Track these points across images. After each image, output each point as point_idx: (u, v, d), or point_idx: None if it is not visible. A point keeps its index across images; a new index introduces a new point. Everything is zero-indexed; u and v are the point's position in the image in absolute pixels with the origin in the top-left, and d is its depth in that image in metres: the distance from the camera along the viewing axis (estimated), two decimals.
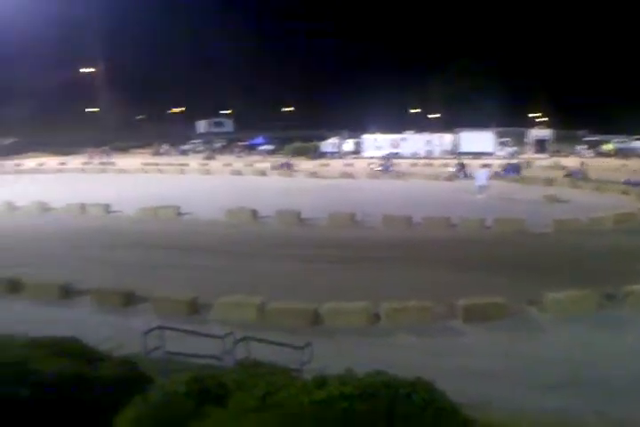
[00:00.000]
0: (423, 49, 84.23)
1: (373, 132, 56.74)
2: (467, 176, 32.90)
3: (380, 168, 38.79)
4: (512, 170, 34.94)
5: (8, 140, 61.02)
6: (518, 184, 31.21)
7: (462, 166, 35.24)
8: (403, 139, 53.67)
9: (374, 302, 10.36)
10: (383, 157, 43.38)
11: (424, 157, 49.44)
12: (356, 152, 54.07)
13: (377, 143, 53.42)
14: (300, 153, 53.90)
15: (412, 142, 52.88)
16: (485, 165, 35.26)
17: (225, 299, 10.54)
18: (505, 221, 19.09)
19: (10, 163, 48.32)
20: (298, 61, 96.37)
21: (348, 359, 7.12)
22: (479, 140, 51.28)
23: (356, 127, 61.24)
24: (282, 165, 41.25)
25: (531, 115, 71.71)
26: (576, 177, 31.80)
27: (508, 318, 10.11)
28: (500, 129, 53.20)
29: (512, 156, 47.43)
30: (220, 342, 7.57)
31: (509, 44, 79.46)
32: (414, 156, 50.22)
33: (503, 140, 52.32)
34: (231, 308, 10.33)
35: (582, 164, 35.70)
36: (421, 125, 64.13)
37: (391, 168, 38.87)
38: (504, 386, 7.56)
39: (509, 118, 58.70)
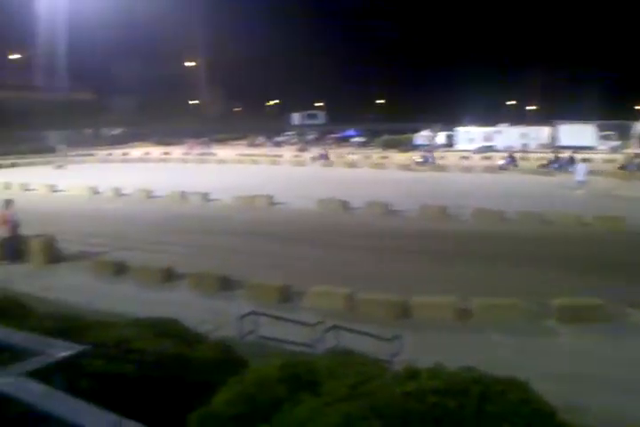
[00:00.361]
0: (520, 39, 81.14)
1: (467, 125, 55.39)
2: (562, 168, 31.78)
3: (420, 160, 38.63)
4: (511, 161, 36.12)
5: (116, 130, 64.37)
6: (620, 180, 29.55)
7: (557, 159, 34.19)
8: (497, 131, 52.04)
9: (465, 297, 10.15)
10: (424, 149, 43.28)
11: (519, 151, 47.74)
12: (449, 145, 53.00)
13: (470, 136, 52.10)
14: (391, 146, 53.53)
15: (507, 135, 51.15)
16: (585, 160, 33.65)
17: (316, 288, 10.66)
18: (604, 219, 18.13)
19: (117, 152, 50.94)
20: (390, 54, 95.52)
21: (437, 354, 6.98)
22: (580, 133, 48.82)
23: (449, 120, 60.01)
24: (321, 156, 41.95)
25: (638, 107, 67.59)
26: None
27: (605, 321, 9.60)
28: (603, 122, 50.36)
29: (615, 150, 44.98)
30: (311, 329, 7.66)
31: (613, 33, 75.06)
32: (508, 149, 48.61)
33: (606, 133, 49.51)
34: (321, 297, 10.44)
35: None
36: (517, 118, 61.97)
37: (431, 160, 38.59)
38: (604, 391, 7.19)
39: (613, 111, 55.51)
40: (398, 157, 44.52)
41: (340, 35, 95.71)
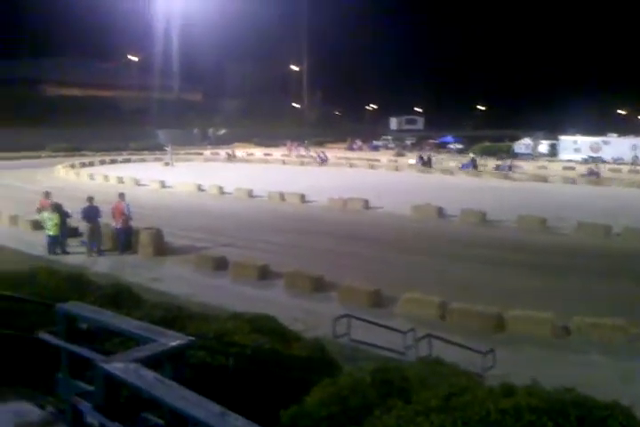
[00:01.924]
0: (631, 42, 76.67)
1: (572, 134, 52.92)
2: None
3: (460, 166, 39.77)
4: (468, 165, 40.03)
5: (221, 131, 66.63)
6: None
7: None
8: (605, 142, 49.33)
9: (563, 313, 9.69)
10: (499, 157, 43.45)
11: (630, 163, 45.02)
12: (552, 155, 50.86)
13: (575, 146, 49.71)
14: (489, 153, 52.11)
15: (616, 146, 48.38)
16: None
17: (408, 295, 10.54)
18: None
19: (222, 152, 52.77)
20: (492, 61, 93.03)
21: (532, 371, 6.71)
22: None
23: (552, 128, 57.62)
24: (420, 160, 42.07)
25: None
26: None
27: None
28: None
29: None
30: (403, 336, 7.58)
31: None
32: (617, 161, 46.00)
33: None
34: (414, 304, 10.31)
35: None
36: (628, 128, 58.52)
37: (507, 168, 38.84)
38: None
39: None
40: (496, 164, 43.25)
41: (442, 41, 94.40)
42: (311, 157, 46.55)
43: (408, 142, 67.77)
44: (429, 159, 42.61)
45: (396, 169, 40.79)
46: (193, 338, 2.85)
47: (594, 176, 34.72)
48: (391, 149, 62.02)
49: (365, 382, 4.50)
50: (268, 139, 66.21)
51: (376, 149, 62.84)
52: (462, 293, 11.23)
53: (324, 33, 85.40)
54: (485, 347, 7.44)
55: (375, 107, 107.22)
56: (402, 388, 4.58)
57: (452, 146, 61.51)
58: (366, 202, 22.89)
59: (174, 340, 2.76)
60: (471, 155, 46.37)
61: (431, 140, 65.94)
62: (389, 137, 71.32)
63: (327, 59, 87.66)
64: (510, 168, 38.73)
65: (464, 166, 40.37)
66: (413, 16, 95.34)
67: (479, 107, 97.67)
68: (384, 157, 50.04)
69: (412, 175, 37.15)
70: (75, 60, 71.84)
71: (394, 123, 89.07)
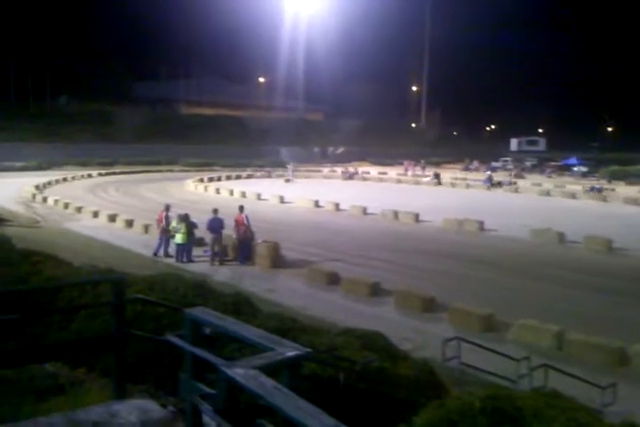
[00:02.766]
0: None
1: None
2: None
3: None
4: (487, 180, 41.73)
5: (340, 149, 67.68)
6: None
7: None
8: None
9: None
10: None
11: None
12: None
13: None
14: (618, 177, 48.86)
15: None
16: None
17: (523, 321, 10.08)
18: None
19: (339, 169, 53.58)
20: (622, 78, 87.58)
21: None
22: None
23: None
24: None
25: None
26: None
27: None
28: None
29: None
30: (516, 364, 7.27)
31: None
32: None
33: None
34: (528, 331, 9.84)
35: None
36: None
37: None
38: None
39: None
40: (626, 189, 40.47)
41: (565, 60, 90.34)
42: (423, 175, 46.08)
43: (528, 164, 65.16)
44: (438, 176, 44.42)
45: (515, 191, 39.34)
46: (309, 350, 2.92)
47: None
48: (509, 170, 59.92)
49: (475, 409, 4.37)
50: (385, 158, 66.38)
51: (494, 170, 61.01)
52: (581, 323, 10.58)
53: (444, 53, 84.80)
54: (605, 382, 6.96)
55: (494, 127, 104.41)
56: (514, 418, 4.40)
57: (576, 168, 58.38)
58: (482, 224, 22.24)
59: (292, 350, 2.85)
60: (488, 172, 46.95)
61: (553, 162, 62.97)
62: (508, 158, 68.95)
63: (447, 78, 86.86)
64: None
65: (485, 182, 42.22)
66: (534, 33, 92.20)
67: (608, 127, 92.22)
68: (501, 178, 48.40)
69: (532, 198, 35.63)
70: (209, 81, 76.29)
71: (514, 144, 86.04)
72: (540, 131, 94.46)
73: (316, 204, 28.12)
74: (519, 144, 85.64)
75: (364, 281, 12.99)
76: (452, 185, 42.49)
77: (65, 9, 67.90)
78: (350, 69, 77.61)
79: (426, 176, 48.33)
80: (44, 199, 26.78)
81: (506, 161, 66.77)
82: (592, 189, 38.74)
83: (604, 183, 45.42)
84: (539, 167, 62.10)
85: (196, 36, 71.40)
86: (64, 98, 70.34)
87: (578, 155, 64.04)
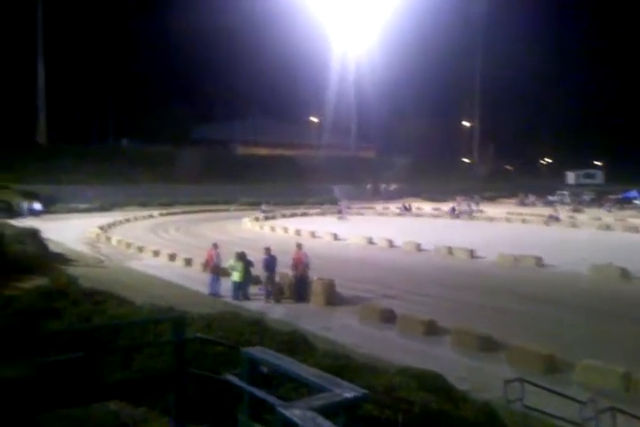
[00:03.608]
0: None
1: None
2: None
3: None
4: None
5: (392, 186, 67.67)
6: None
7: None
8: None
9: None
10: None
11: None
12: None
13: None
14: None
15: None
16: None
17: (587, 362, 9.67)
18: None
19: (392, 206, 53.48)
20: None
21: None
22: None
23: None
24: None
25: None
26: None
27: None
28: None
29: None
30: (581, 407, 6.95)
31: None
32: None
33: None
34: (594, 372, 9.41)
35: None
36: None
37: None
38: None
39: None
40: None
41: (618, 92, 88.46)
42: (477, 211, 45.81)
43: (586, 197, 63.40)
44: (409, 207, 46.66)
45: (573, 225, 38.20)
46: (366, 391, 2.91)
47: None
48: (566, 204, 58.36)
49: None
50: (437, 193, 65.93)
51: (550, 204, 59.50)
52: None
53: (496, 86, 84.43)
54: None
55: (550, 161, 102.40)
56: None
57: (637, 202, 56.38)
58: (539, 259, 21.65)
59: (349, 391, 2.85)
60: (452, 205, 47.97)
61: (612, 196, 61.04)
62: (565, 192, 67.27)
63: (499, 112, 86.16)
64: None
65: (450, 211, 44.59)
66: (589, 64, 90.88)
67: None
68: (560, 212, 47.17)
69: (591, 232, 34.51)
70: (263, 121, 78.33)
71: (570, 177, 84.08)
72: (597, 163, 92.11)
73: (370, 240, 28.05)
74: (576, 177, 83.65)
75: (419, 319, 12.78)
76: (508, 220, 41.65)
77: (127, 55, 71.59)
78: (400, 106, 78.12)
79: (472, 211, 47.70)
80: (108, 239, 27.69)
81: (563, 195, 65.18)
82: None
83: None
84: (597, 201, 60.29)
85: (251, 79, 73.68)
86: (126, 140, 73.37)
87: (638, 188, 61.91)
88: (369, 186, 67.97)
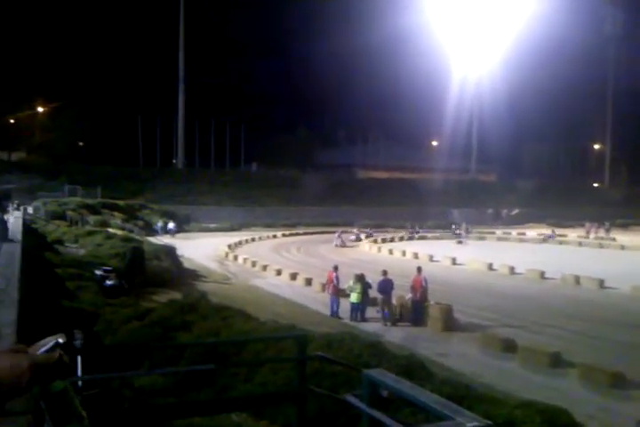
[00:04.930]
0: None
1: None
2: None
3: None
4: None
5: (514, 211, 64.96)
6: None
7: None
8: None
9: None
10: None
11: None
12: None
13: None
14: None
15: None
16: None
17: None
18: None
19: (514, 231, 51.33)
20: None
21: None
22: None
23: None
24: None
25: None
26: None
27: None
28: None
29: None
30: None
31: None
32: None
33: None
34: None
35: None
36: None
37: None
38: None
39: None
40: None
41: None
42: (607, 238, 42.64)
43: None
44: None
45: None
46: (489, 422, 2.83)
47: None
48: None
49: None
50: (564, 219, 62.32)
51: None
52: None
53: (629, 107, 78.90)
54: None
55: None
56: None
57: None
58: None
59: (471, 421, 2.77)
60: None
61: None
62: None
63: (633, 133, 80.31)
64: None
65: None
66: None
67: None
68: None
69: None
70: (384, 146, 78.93)
71: None
72: None
73: (490, 266, 27.07)
74: None
75: (543, 350, 12.12)
76: None
77: (257, 84, 75.59)
78: (524, 127, 75.32)
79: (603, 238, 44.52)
80: (235, 257, 29.00)
81: None
82: None
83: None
84: None
85: (373, 104, 74.80)
86: (254, 165, 77.04)
87: None
88: (490, 210, 65.76)
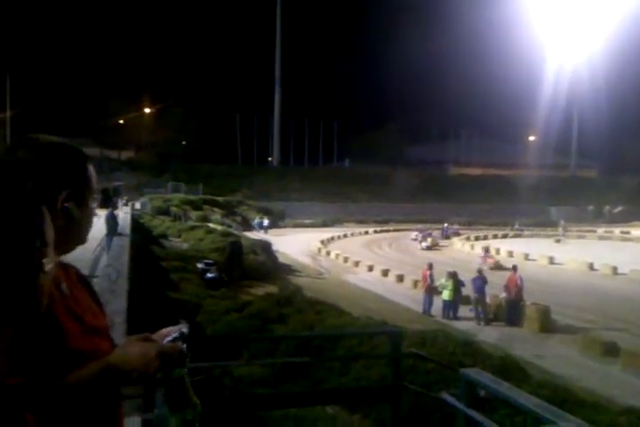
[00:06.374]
0: None
1: None
2: None
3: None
4: None
5: (618, 209, 61.18)
6: None
7: None
8: None
9: None
10: None
11: None
12: None
13: None
14: None
15: None
16: None
17: None
18: None
19: (617, 230, 48.35)
20: None
21: None
22: None
23: None
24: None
25: None
26: None
27: None
28: None
29: None
30: None
31: None
32: None
33: None
34: None
35: None
36: None
37: None
38: None
39: None
40: None
41: None
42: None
43: None
44: None
45: None
46: None
47: None
48: None
49: None
50: None
51: None
52: None
53: None
54: None
55: None
56: None
57: None
58: None
59: (575, 426, 2.67)
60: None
61: None
62: None
63: None
64: None
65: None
66: None
67: None
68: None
69: None
70: (477, 142, 76.75)
71: None
72: None
73: (591, 266, 25.62)
74: None
75: None
76: None
77: (348, 81, 75.93)
78: (626, 121, 70.60)
79: None
80: (328, 253, 29.29)
81: None
82: None
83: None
84: None
85: (466, 99, 72.99)
86: (347, 161, 77.38)
87: None
88: (591, 207, 62.22)
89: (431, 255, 28.37)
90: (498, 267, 24.01)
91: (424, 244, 34.28)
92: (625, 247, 36.74)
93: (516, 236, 43.99)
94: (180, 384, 1.33)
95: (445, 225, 43.41)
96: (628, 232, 47.24)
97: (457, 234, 42.25)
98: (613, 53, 63.58)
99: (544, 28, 67.76)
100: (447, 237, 40.08)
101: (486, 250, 27.67)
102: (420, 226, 41.56)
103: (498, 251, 31.28)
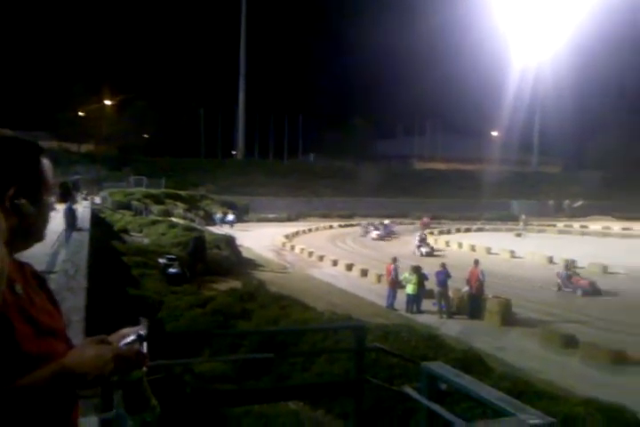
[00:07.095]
0: None
1: None
2: None
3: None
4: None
5: (577, 203, 62.71)
6: None
7: None
8: None
9: None
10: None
11: None
12: None
13: None
14: None
15: None
16: None
17: None
18: None
19: (576, 224, 49.67)
20: None
21: None
22: None
23: None
24: None
25: None
26: None
27: None
28: None
29: None
30: None
31: None
32: None
33: None
34: None
35: None
36: None
37: None
38: None
39: None
40: None
41: None
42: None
43: None
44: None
45: None
46: (554, 420, 2.78)
47: None
48: None
49: None
50: (630, 212, 59.70)
51: None
52: None
53: None
54: None
55: None
56: None
57: None
58: None
59: (534, 418, 2.73)
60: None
61: None
62: None
63: None
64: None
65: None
66: None
67: None
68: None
69: None
70: (441, 137, 77.62)
71: None
72: None
73: (550, 260, 26.29)
74: None
75: (605, 347, 11.73)
76: None
77: (313, 74, 75.89)
78: (588, 118, 72.32)
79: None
80: (292, 247, 29.28)
81: None
82: None
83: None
84: None
85: (429, 94, 73.70)
86: (312, 156, 77.35)
87: None
88: (551, 202, 63.73)
89: (394, 249, 28.61)
90: (429, 254, 26.88)
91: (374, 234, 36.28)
92: (584, 241, 37.81)
93: (478, 230, 44.76)
94: (139, 386, 1.31)
95: (387, 222, 40.84)
96: (586, 226, 48.60)
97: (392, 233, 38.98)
98: (577, 52, 65.10)
99: (509, 25, 68.86)
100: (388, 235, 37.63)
101: (422, 239, 30.18)
102: (377, 222, 41.08)
103: (460, 245, 31.81)
